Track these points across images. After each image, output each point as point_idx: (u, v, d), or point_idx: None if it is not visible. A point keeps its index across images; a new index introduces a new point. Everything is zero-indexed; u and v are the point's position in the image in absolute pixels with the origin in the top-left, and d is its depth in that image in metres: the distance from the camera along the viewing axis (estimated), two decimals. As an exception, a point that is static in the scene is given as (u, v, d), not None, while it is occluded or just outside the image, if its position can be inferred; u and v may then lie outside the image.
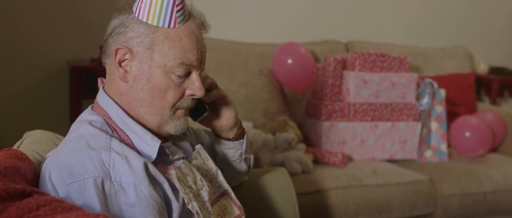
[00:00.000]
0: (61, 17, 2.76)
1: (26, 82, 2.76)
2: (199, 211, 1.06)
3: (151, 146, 1.06)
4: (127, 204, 0.96)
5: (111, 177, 0.96)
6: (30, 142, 1.28)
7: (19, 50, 2.73)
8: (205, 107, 1.21)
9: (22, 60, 2.74)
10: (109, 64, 1.10)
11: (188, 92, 1.08)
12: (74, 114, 2.56)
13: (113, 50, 1.06)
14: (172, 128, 1.09)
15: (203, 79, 1.15)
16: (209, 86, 1.20)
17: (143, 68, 1.05)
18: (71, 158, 0.98)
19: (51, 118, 2.80)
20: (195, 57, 1.06)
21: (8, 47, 2.71)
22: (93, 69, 2.57)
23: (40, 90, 2.78)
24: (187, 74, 1.07)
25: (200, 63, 1.09)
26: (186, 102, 1.09)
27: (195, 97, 1.10)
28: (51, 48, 2.77)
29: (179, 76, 1.06)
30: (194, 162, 1.17)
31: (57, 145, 1.27)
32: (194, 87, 1.08)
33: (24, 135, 1.35)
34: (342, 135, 2.49)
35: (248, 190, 1.46)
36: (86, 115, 1.10)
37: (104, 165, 0.97)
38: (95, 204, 0.93)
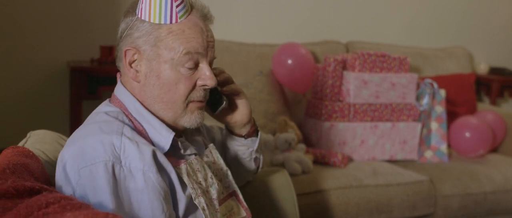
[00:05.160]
0: (61, 17, 2.76)
1: (26, 83, 2.76)
2: (205, 207, 1.07)
3: (165, 137, 1.08)
4: (136, 189, 0.98)
5: (121, 162, 0.98)
6: (35, 141, 1.29)
7: (20, 51, 2.73)
8: (223, 99, 1.22)
9: (22, 61, 2.74)
10: (122, 67, 1.12)
11: (199, 83, 1.10)
12: (74, 115, 2.56)
13: (122, 53, 1.09)
14: (186, 121, 1.11)
15: (219, 73, 1.18)
16: (226, 80, 1.23)
17: (152, 66, 1.07)
18: (83, 142, 1.00)
19: (52, 118, 2.80)
20: (199, 44, 1.07)
21: (8, 48, 2.71)
22: (93, 70, 2.57)
23: (40, 91, 2.78)
24: (196, 65, 1.08)
25: (207, 51, 1.10)
26: (198, 93, 1.10)
27: (206, 87, 1.11)
28: (52, 49, 2.77)
29: (189, 69, 1.07)
30: (205, 159, 1.18)
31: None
32: (205, 77, 1.09)
33: (28, 134, 1.35)
34: (342, 135, 2.49)
35: (248, 189, 1.46)
36: (103, 106, 1.12)
37: (115, 149, 0.98)
38: (104, 187, 0.95)
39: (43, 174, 1.05)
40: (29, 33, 2.73)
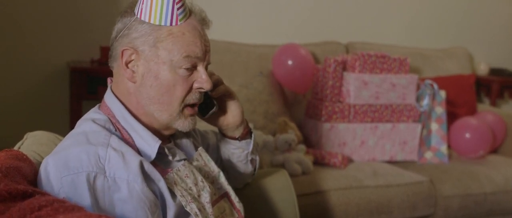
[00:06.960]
0: (61, 18, 2.76)
1: (26, 83, 2.76)
2: (198, 213, 1.07)
3: (151, 145, 1.07)
4: (120, 199, 0.98)
5: (105, 172, 0.97)
6: (31, 143, 1.28)
7: (20, 51, 2.73)
8: (214, 103, 1.22)
9: (22, 62, 2.74)
10: (116, 67, 1.12)
11: (195, 85, 1.10)
12: (74, 115, 2.56)
13: (119, 53, 1.08)
14: (180, 125, 1.11)
15: (209, 75, 1.16)
16: (216, 82, 1.22)
17: (150, 66, 1.07)
18: (69, 151, 1.00)
19: (52, 119, 2.80)
20: (199, 49, 1.08)
21: (8, 48, 2.71)
22: (93, 71, 2.57)
23: (40, 92, 2.78)
24: (193, 67, 1.09)
25: (205, 55, 1.11)
26: (194, 95, 1.10)
27: (202, 90, 1.11)
28: (52, 50, 2.77)
29: (186, 70, 1.07)
30: (195, 163, 1.18)
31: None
32: (202, 80, 1.10)
33: (25, 136, 1.35)
34: (342, 136, 2.49)
35: (248, 191, 1.46)
36: (92, 113, 1.13)
37: (100, 160, 0.98)
38: (86, 198, 0.95)
39: (36, 177, 1.05)
40: (29, 33, 2.73)
